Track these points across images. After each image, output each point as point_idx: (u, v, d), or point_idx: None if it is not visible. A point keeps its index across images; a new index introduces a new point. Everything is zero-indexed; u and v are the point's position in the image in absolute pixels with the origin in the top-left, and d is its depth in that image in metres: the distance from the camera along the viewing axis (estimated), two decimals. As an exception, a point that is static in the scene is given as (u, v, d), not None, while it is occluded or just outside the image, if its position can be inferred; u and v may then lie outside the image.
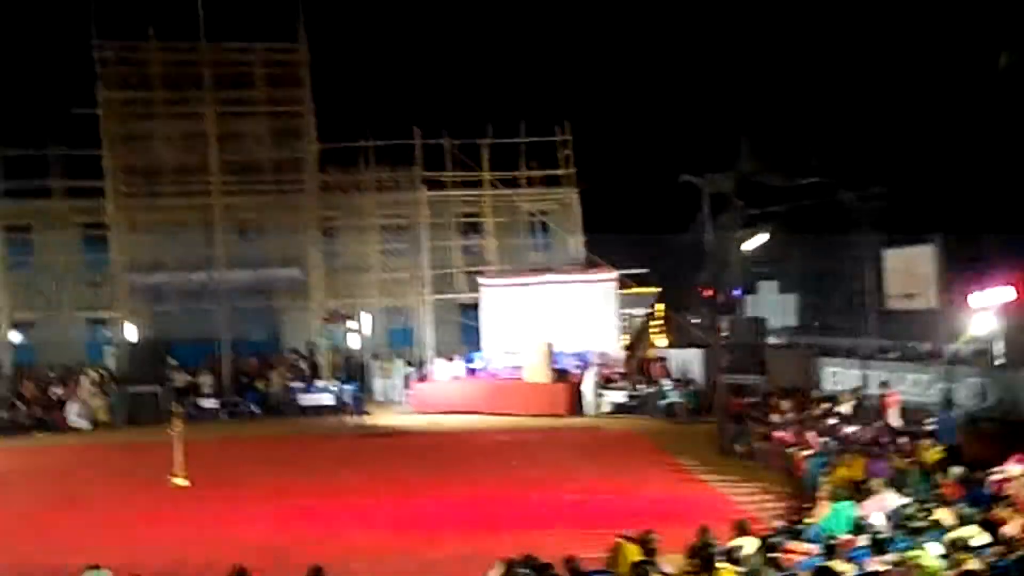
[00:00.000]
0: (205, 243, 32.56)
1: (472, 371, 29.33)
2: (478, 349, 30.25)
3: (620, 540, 11.11)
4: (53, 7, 39.42)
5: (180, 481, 18.90)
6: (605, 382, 27.50)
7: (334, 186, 34.26)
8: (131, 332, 30.72)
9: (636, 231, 34.05)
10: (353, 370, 29.94)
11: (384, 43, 42.60)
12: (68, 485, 19.97)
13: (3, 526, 16.53)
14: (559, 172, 34.25)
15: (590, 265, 32.42)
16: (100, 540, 14.65)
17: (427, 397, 28.45)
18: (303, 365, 31.30)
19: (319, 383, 29.53)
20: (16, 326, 32.57)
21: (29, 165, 32.73)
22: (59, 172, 33.18)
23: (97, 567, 11.07)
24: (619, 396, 27.18)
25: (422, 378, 29.63)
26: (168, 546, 14.55)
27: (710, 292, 28.55)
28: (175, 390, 27.88)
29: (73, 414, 27.33)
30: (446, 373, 29.16)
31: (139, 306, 32.19)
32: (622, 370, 28.44)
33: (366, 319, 30.72)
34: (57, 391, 28.38)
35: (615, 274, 30.51)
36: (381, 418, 27.57)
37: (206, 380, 29.26)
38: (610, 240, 33.14)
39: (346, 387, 28.65)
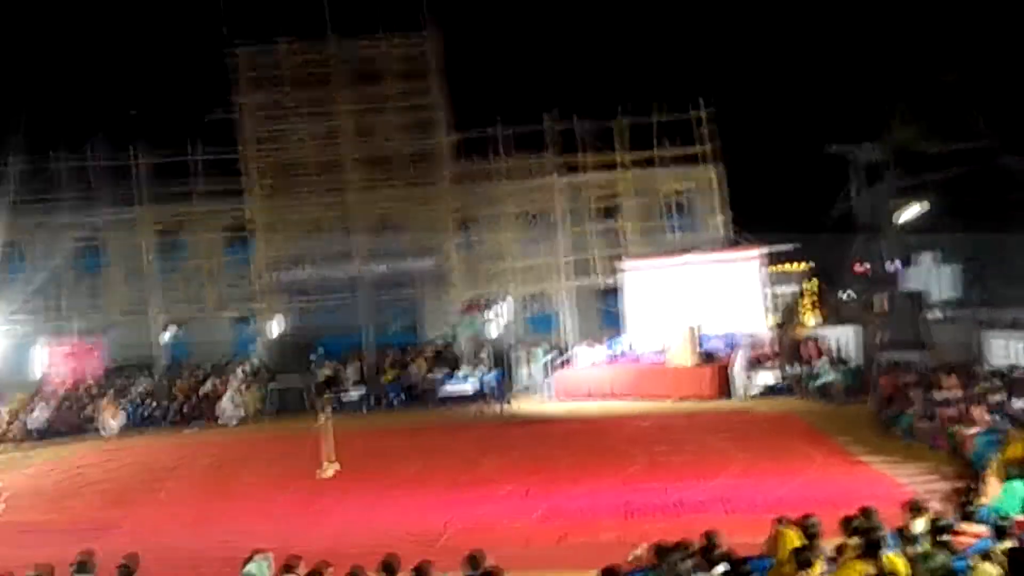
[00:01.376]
0: (343, 238, 33.20)
1: (614, 356, 29.01)
2: (619, 334, 29.89)
3: (779, 525, 10.65)
4: (186, 17, 40.88)
5: (329, 471, 19.25)
6: (754, 363, 26.75)
7: (469, 176, 34.38)
8: (276, 327, 31.65)
9: (782, 206, 33.02)
10: (494, 358, 30.02)
11: (513, 27, 42.50)
12: (223, 476, 20.64)
13: (167, 516, 17.26)
14: (698, 149, 33.49)
15: (734, 243, 31.63)
16: (257, 528, 15.03)
17: (569, 384, 28.25)
18: (444, 355, 31.54)
19: (460, 372, 29.71)
20: (168, 325, 33.92)
21: (174, 170, 34.00)
22: (201, 176, 34.30)
23: (263, 551, 11.36)
24: (769, 377, 26.40)
25: (564, 365, 29.45)
26: (321, 534, 14.77)
27: (864, 266, 27.42)
28: (320, 382, 28.53)
29: (224, 408, 28.31)
30: (588, 359, 28.92)
31: (283, 302, 33.11)
32: (772, 350, 27.61)
33: (505, 307, 30.76)
34: (208, 386, 29.43)
35: (761, 251, 29.65)
36: (523, 406, 27.52)
37: (350, 372, 29.85)
38: (755, 217, 32.25)
39: (487, 376, 28.76)
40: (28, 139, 33.49)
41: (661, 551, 9.81)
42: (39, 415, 28.15)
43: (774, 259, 30.63)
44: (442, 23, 33.34)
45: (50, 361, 31.48)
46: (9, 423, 27.79)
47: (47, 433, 27.54)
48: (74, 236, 34.53)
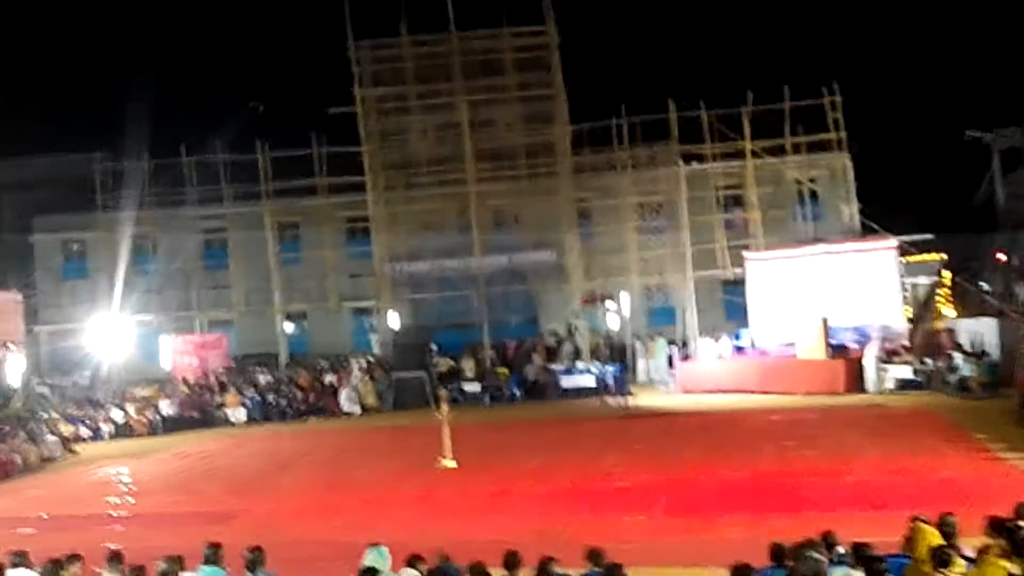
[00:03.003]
0: (462, 231, 33.37)
1: (739, 349, 28.36)
2: (744, 326, 29.24)
3: (917, 523, 10.12)
4: (309, 13, 41.69)
5: (448, 463, 19.25)
6: (888, 357, 25.78)
7: (588, 167, 34.13)
8: (394, 320, 32.00)
9: (917, 194, 31.83)
10: (614, 351, 29.72)
11: (633, 16, 42.09)
12: (343, 467, 20.87)
13: (289, 505, 17.50)
14: (828, 136, 32.62)
15: (866, 233, 30.57)
16: (376, 519, 15.09)
17: (693, 377, 27.77)
18: (562, 347, 31.35)
19: (580, 365, 29.50)
20: (289, 318, 34.64)
21: (295, 165, 34.72)
22: (322, 170, 34.90)
23: (377, 545, 11.31)
24: (904, 371, 25.43)
25: (686, 357, 28.95)
26: (441, 527, 14.72)
27: (1004, 256, 26.14)
28: (439, 375, 28.69)
29: (344, 400, 28.74)
30: (712, 352, 28.35)
31: (401, 295, 33.43)
32: (906, 343, 26.57)
33: (625, 299, 30.42)
34: (329, 378, 29.92)
35: (894, 241, 28.57)
36: (645, 399, 27.14)
37: (468, 365, 29.96)
38: (888, 205, 31.12)
39: (607, 368, 28.48)
40: (156, 137, 34.76)
41: (792, 549, 9.41)
42: (168, 405, 29.06)
43: (908, 249, 29.51)
44: (562, 14, 33.27)
45: (180, 353, 32.47)
46: (140, 413, 28.73)
47: (175, 423, 28.44)
48: (200, 231, 35.60)
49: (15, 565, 11.47)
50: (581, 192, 33.81)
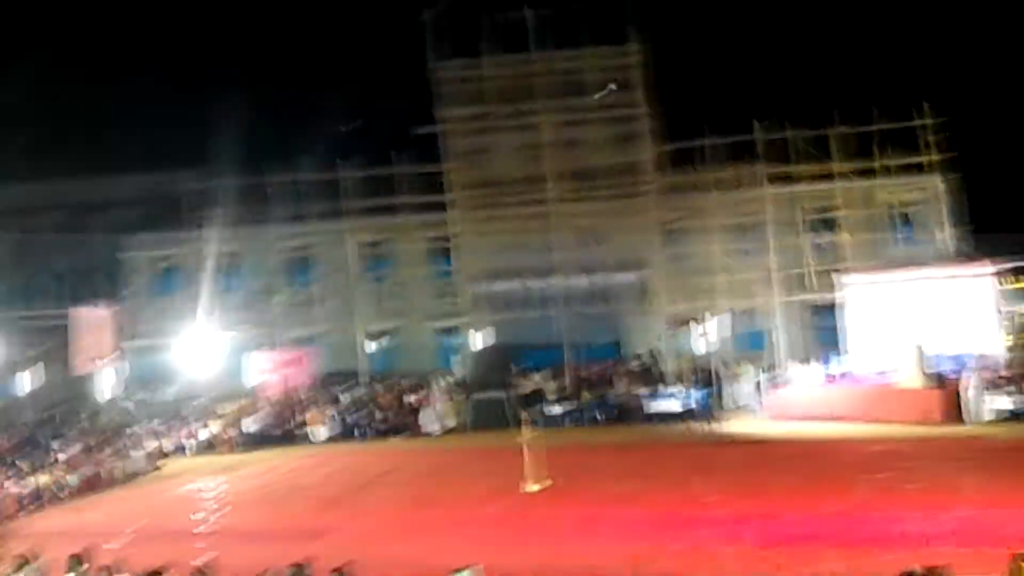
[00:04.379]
0: (546, 251, 33.24)
1: (832, 376, 27.69)
2: (835, 352, 28.57)
3: (1018, 561, 9.73)
4: (393, 34, 42.15)
5: (532, 486, 19.09)
6: (989, 386, 24.92)
7: (675, 187, 33.78)
8: (477, 340, 31.98)
9: (1017, 218, 30.80)
10: (701, 376, 29.27)
11: (722, 35, 41.64)
12: (427, 487, 20.86)
13: (375, 523, 17.62)
14: (923, 159, 31.74)
15: (965, 258, 29.69)
16: (461, 542, 15.02)
17: (783, 403, 27.16)
18: (648, 371, 30.99)
19: (666, 389, 29.08)
20: (372, 336, 34.85)
21: (381, 184, 34.99)
22: (407, 189, 35.12)
23: (466, 568, 11.23)
24: (1006, 401, 24.52)
25: (776, 384, 28.36)
26: (528, 550, 14.61)
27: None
28: (522, 396, 28.52)
29: (427, 419, 28.76)
30: (804, 378, 27.73)
31: (484, 314, 33.41)
32: (1006, 373, 25.68)
33: (713, 323, 29.97)
34: (411, 397, 29.98)
35: (991, 267, 27.70)
36: (733, 425, 26.67)
37: (551, 386, 29.75)
38: (987, 229, 30.22)
39: (694, 393, 28.06)
40: (244, 156, 35.36)
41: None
42: (252, 422, 29.41)
43: (1007, 275, 28.59)
44: (649, 33, 33.00)
45: (263, 370, 32.86)
46: (225, 429, 29.13)
47: (259, 439, 28.74)
48: (286, 249, 36.09)
49: (108, 576, 11.67)
50: (667, 213, 33.44)
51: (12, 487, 21.32)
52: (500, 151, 34.63)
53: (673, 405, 28.18)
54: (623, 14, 32.31)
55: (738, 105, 34.33)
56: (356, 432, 29.16)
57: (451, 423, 28.92)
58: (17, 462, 22.83)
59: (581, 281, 32.73)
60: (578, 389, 29.91)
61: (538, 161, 33.49)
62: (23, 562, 12.11)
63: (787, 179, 32.83)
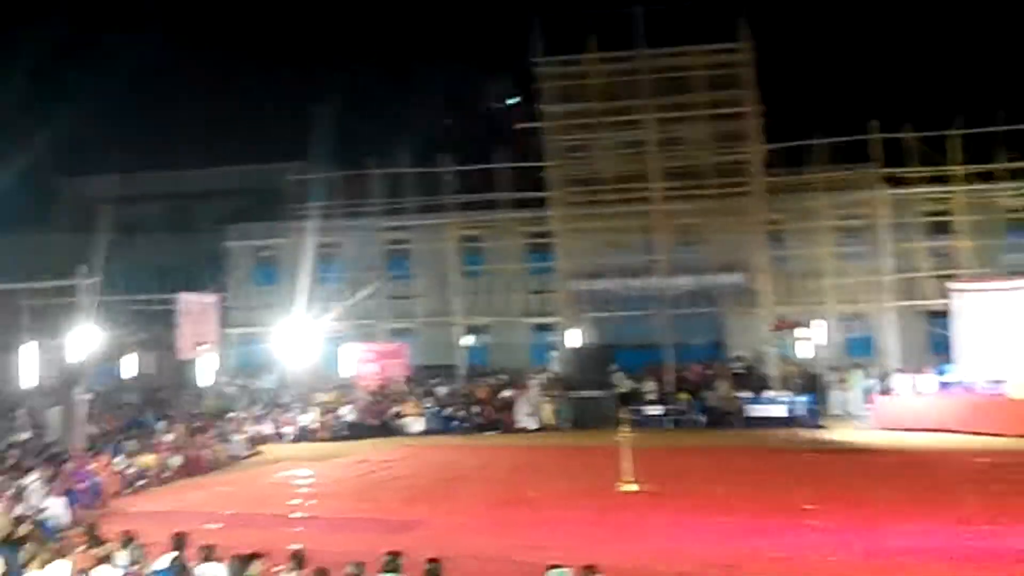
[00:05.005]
0: (647, 250, 32.97)
1: (944, 385, 26.79)
2: (949, 360, 27.63)
3: None
4: (495, 29, 42.22)
5: (628, 487, 18.88)
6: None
7: (782, 188, 33.11)
8: (575, 338, 31.84)
9: None
10: (806, 381, 28.65)
11: (834, 32, 40.72)
12: (521, 484, 20.78)
13: (466, 518, 17.61)
14: (1045, 164, 30.60)
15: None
16: (554, 540, 14.89)
17: (891, 412, 26.40)
18: (750, 374, 30.45)
19: (768, 394, 28.53)
20: (469, 331, 34.98)
21: (480, 179, 35.12)
22: (506, 185, 35.18)
23: (559, 566, 11.12)
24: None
25: (885, 391, 27.56)
26: (621, 551, 14.40)
27: None
28: (619, 396, 28.26)
29: (522, 416, 28.75)
30: (913, 386, 26.91)
31: (582, 312, 33.26)
32: None
33: (819, 327, 29.31)
34: (507, 393, 29.98)
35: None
36: (838, 433, 26.06)
37: (650, 387, 29.46)
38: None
39: (798, 399, 27.48)
40: (345, 148, 35.86)
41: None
42: (349, 412, 29.76)
43: None
44: (757, 29, 32.39)
45: (360, 360, 33.24)
46: (322, 417, 29.54)
47: (355, 429, 29.07)
48: (385, 241, 36.46)
49: (205, 559, 11.84)
50: (774, 213, 32.79)
51: (118, 466, 21.89)
52: (601, 148, 34.39)
53: (775, 410, 27.64)
54: (731, 10, 31.80)
55: (849, 104, 33.59)
56: (450, 426, 29.28)
57: (546, 420, 28.83)
58: (123, 442, 23.45)
59: (682, 281, 32.33)
60: (677, 390, 29.53)
61: (640, 159, 33.17)
62: (128, 539, 12.36)
63: (900, 182, 31.96)
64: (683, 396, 28.98)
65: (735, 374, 30.43)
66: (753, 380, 29.90)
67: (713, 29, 32.37)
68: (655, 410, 28.46)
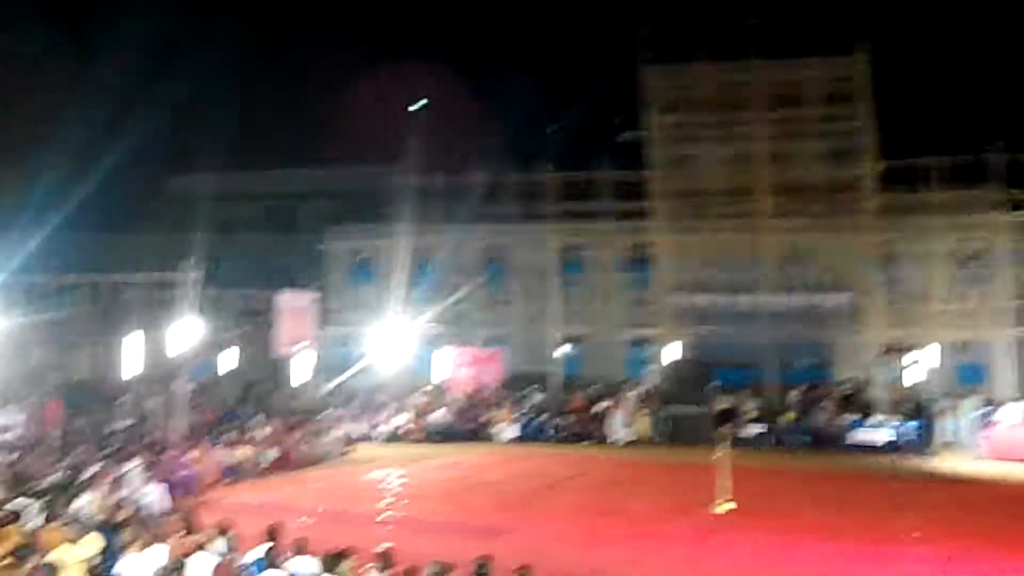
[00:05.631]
0: (751, 266, 32.56)
1: (1060, 417, 25.83)
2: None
3: None
4: (603, 36, 42.13)
5: (724, 506, 18.59)
6: None
7: (896, 207, 32.38)
8: (673, 352, 31.54)
9: None
10: (914, 407, 27.84)
11: (955, 47, 39.65)
12: (613, 497, 20.64)
13: (555, 528, 17.57)
14: None
15: None
16: (646, 556, 14.77)
17: (1006, 443, 25.43)
18: (856, 397, 29.74)
19: (874, 418, 27.77)
20: (565, 340, 34.92)
21: (581, 189, 35.09)
22: (608, 195, 35.10)
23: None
24: None
25: (995, 421, 26.64)
26: (712, 571, 14.20)
27: None
28: (717, 414, 27.82)
29: (616, 428, 28.54)
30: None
31: (681, 327, 32.93)
32: None
33: (931, 352, 28.49)
34: (602, 405, 29.80)
35: None
36: (945, 462, 25.25)
37: (750, 406, 28.98)
38: None
39: (905, 425, 26.74)
40: (443, 154, 36.16)
41: None
42: (441, 415, 29.94)
43: None
44: (875, 42, 31.79)
45: (452, 365, 33.43)
46: (415, 420, 29.77)
47: (446, 433, 29.23)
48: (484, 248, 36.68)
49: (297, 552, 12.03)
50: (886, 234, 32.08)
51: (214, 458, 22.41)
52: (707, 161, 34.11)
53: (879, 436, 26.88)
54: (848, 22, 31.26)
55: (968, 122, 32.68)
56: (542, 435, 29.23)
57: (641, 434, 28.58)
58: (220, 435, 24.00)
59: (786, 299, 31.84)
60: (777, 411, 29.00)
61: (747, 173, 32.80)
62: (223, 529, 12.62)
63: (1021, 205, 30.98)
64: (783, 417, 28.40)
65: (840, 397, 29.74)
66: (859, 404, 29.17)
67: (829, 41, 31.87)
68: (753, 430, 27.96)
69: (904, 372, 29.23)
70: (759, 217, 32.26)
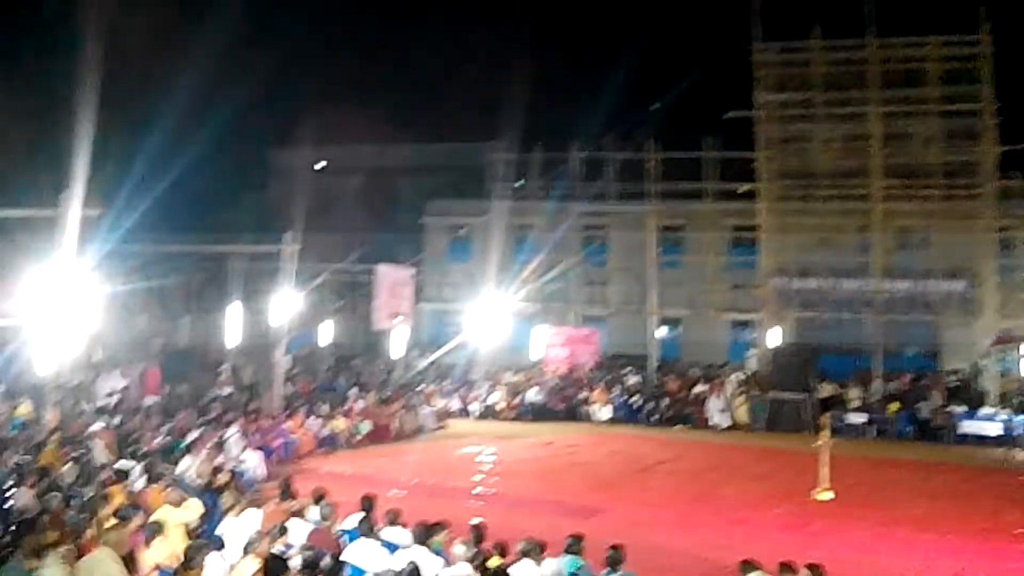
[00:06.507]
0: (861, 250, 31.97)
1: None
2: None
3: None
4: (713, 13, 41.55)
5: (825, 495, 18.42)
6: None
7: (1016, 192, 31.45)
8: (775, 337, 31.19)
9: None
10: (1028, 400, 27.12)
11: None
12: (708, 481, 20.60)
13: (649, 511, 17.67)
14: None
15: None
16: (742, 542, 14.67)
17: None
18: (966, 388, 29.06)
19: (985, 410, 27.11)
20: (663, 322, 34.79)
21: (685, 168, 34.81)
22: (712, 175, 34.79)
23: (753, 565, 11.05)
24: None
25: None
26: (807, 559, 14.04)
27: None
28: (820, 401, 27.47)
29: (714, 412, 28.39)
30: None
31: (785, 311, 32.53)
32: None
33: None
34: (700, 388, 29.67)
35: None
36: (1063, 458, 24.52)
37: (855, 393, 28.55)
38: None
39: (1017, 418, 26.02)
40: (548, 130, 36.22)
41: None
42: (535, 393, 30.14)
43: None
44: (998, 21, 30.77)
45: (549, 344, 33.60)
46: (509, 397, 30.03)
47: (540, 412, 29.42)
48: (582, 226, 36.70)
49: (391, 523, 12.32)
50: (1005, 219, 31.16)
51: (310, 428, 22.99)
52: (819, 141, 33.45)
53: (991, 428, 26.20)
54: (969, 1, 30.35)
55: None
56: (638, 416, 29.23)
57: (741, 419, 28.36)
58: (317, 405, 24.58)
59: (898, 285, 31.20)
60: (884, 399, 28.48)
61: (860, 154, 32.12)
62: (319, 497, 12.98)
63: None
64: (893, 406, 27.86)
65: (949, 387, 29.08)
66: (968, 394, 28.51)
67: (950, 19, 30.99)
68: (859, 418, 27.51)
69: (1019, 363, 28.42)
70: (870, 200, 31.60)
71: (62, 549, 10.31)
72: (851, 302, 31.63)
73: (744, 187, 33.62)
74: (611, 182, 36.41)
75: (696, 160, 35.17)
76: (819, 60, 32.51)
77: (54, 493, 13.13)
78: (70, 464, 15.57)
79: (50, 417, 19.38)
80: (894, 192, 31.50)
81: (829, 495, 18.45)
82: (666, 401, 29.52)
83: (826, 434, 19.27)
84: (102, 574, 10.20)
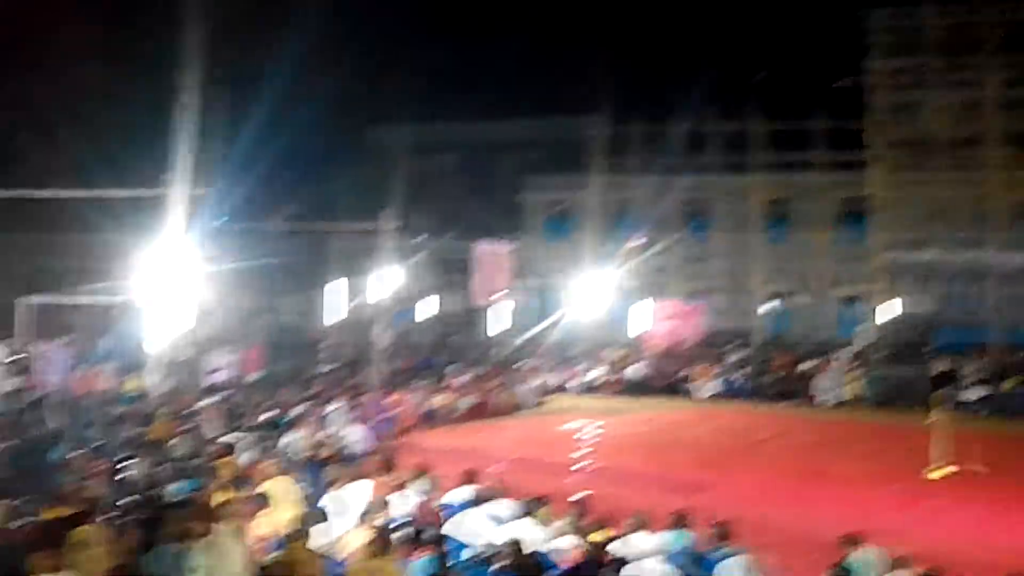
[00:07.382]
0: (978, 221, 31.11)
1: None
2: None
3: None
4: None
5: (939, 473, 18.02)
6: None
7: None
8: (888, 312, 30.57)
9: None
10: None
11: None
12: (816, 458, 20.27)
13: (756, 487, 17.53)
14: None
15: None
16: (852, 518, 14.39)
17: None
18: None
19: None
20: (770, 297, 34.34)
21: (791, 139, 34.21)
22: (821, 145, 34.14)
23: (858, 540, 10.92)
24: None
25: None
26: (928, 538, 13.78)
27: None
28: (935, 376, 26.79)
29: (822, 389, 27.93)
30: None
31: (898, 285, 31.84)
32: None
33: None
34: (807, 364, 29.21)
35: None
36: None
37: (971, 368, 27.79)
38: None
39: None
40: (650, 102, 35.85)
41: None
42: (637, 369, 30.05)
43: None
44: None
45: (650, 320, 33.43)
46: (610, 373, 30.02)
47: (641, 388, 29.33)
48: (682, 200, 36.34)
49: (494, 497, 12.44)
50: None
51: (412, 403, 23.34)
52: (932, 108, 32.65)
53: (1115, 405, 25.35)
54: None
55: None
56: (742, 393, 28.93)
57: (849, 396, 27.86)
58: (417, 381, 24.94)
59: (1017, 257, 30.27)
60: (1001, 375, 27.69)
61: (976, 121, 31.36)
62: (421, 471, 13.17)
63: None
64: (1010, 382, 27.08)
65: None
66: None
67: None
68: (973, 394, 26.78)
69: None
70: (988, 169, 30.79)
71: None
72: (968, 275, 30.88)
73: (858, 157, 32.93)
74: (714, 155, 35.98)
75: (802, 131, 34.57)
76: (933, 24, 31.72)
77: (165, 465, 13.55)
78: (181, 437, 16.07)
79: (161, 392, 20.01)
80: (1013, 160, 30.63)
81: (943, 472, 18.05)
82: (772, 377, 29.16)
83: (940, 410, 18.84)
84: (231, 555, 10.14)
